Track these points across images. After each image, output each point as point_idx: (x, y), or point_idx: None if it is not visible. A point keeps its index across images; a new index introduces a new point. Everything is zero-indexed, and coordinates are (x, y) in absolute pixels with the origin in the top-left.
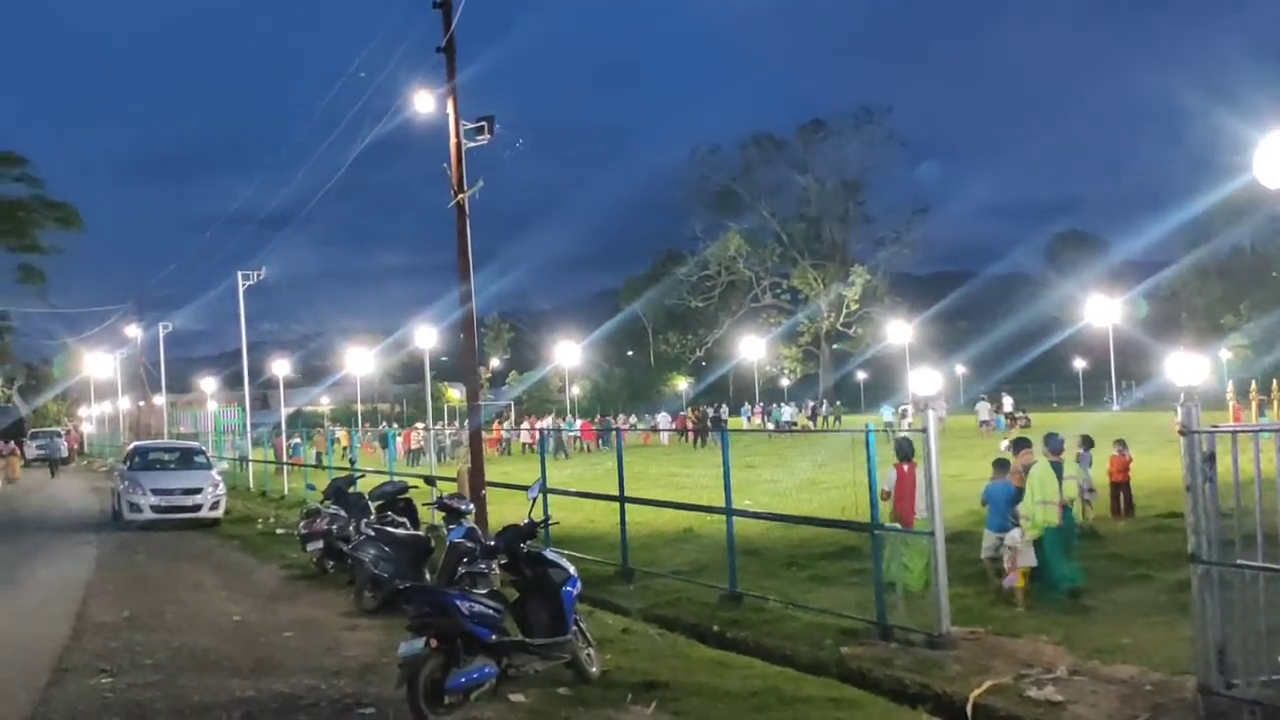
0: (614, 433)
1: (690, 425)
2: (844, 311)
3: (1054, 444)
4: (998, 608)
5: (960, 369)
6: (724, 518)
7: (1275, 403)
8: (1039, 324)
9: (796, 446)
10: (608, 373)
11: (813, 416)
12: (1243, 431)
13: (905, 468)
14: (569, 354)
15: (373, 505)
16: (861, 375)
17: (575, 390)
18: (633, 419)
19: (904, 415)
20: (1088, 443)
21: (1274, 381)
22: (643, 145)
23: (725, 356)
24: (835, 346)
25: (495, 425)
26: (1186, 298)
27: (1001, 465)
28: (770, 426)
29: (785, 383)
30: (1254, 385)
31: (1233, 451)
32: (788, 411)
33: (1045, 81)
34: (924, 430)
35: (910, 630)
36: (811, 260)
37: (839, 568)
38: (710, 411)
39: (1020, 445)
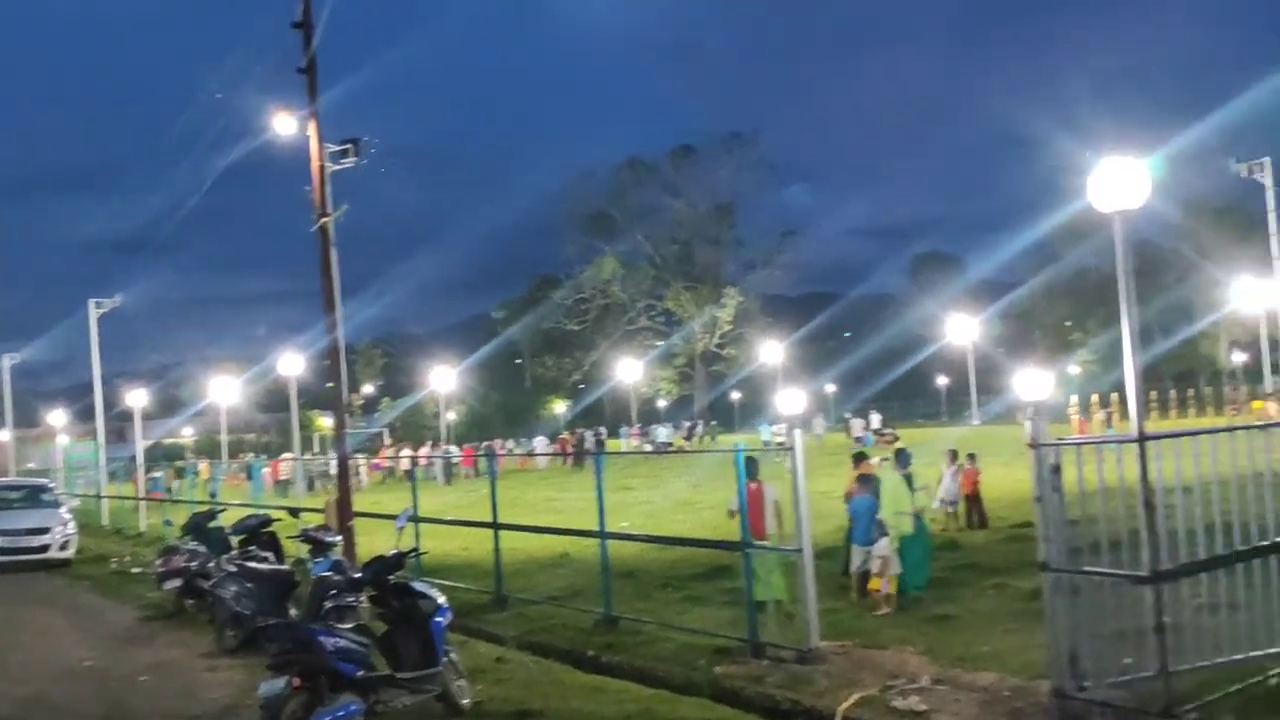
0: (489, 458)
1: (569, 448)
2: (718, 333)
3: (903, 459)
4: (865, 621)
5: (830, 387)
6: (599, 541)
7: (1116, 415)
8: (904, 342)
9: (673, 467)
10: (484, 397)
11: (689, 437)
12: (1087, 444)
13: (753, 486)
14: (444, 379)
15: (235, 540)
16: (736, 395)
17: (451, 415)
18: (510, 443)
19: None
20: (954, 456)
21: (1114, 395)
22: (519, 170)
23: (602, 379)
24: (710, 367)
25: (382, 450)
26: (1037, 316)
27: (864, 480)
28: (648, 448)
29: (662, 404)
30: (1095, 399)
31: (1077, 463)
32: (664, 432)
33: (909, 108)
34: (791, 449)
35: (781, 647)
36: (685, 283)
37: (712, 587)
38: (590, 434)
39: (858, 459)
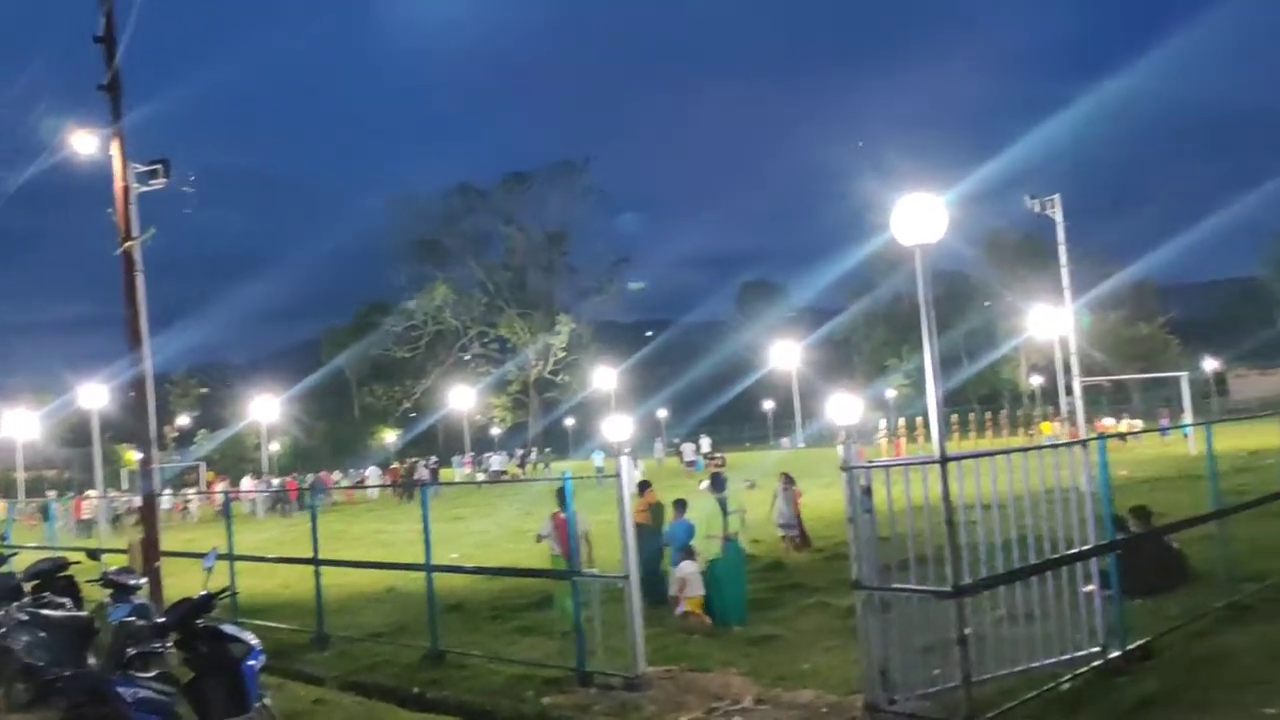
0: (313, 491)
1: (400, 478)
2: (551, 359)
3: (718, 484)
4: (691, 644)
5: (662, 413)
6: (425, 575)
7: (920, 437)
8: (732, 368)
9: (505, 495)
10: (309, 427)
11: (522, 464)
12: (894, 465)
13: (562, 516)
14: (266, 409)
15: (27, 585)
16: (570, 421)
17: (274, 447)
18: (337, 475)
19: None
20: (788, 480)
21: (919, 419)
22: (349, 194)
23: (434, 407)
24: (544, 394)
25: (211, 484)
26: (856, 342)
27: (680, 505)
28: (480, 477)
29: (496, 431)
30: (901, 423)
31: (886, 484)
32: (497, 460)
33: (737, 142)
34: (617, 475)
35: (609, 674)
36: (518, 309)
37: (543, 617)
38: (423, 464)
39: (644, 487)
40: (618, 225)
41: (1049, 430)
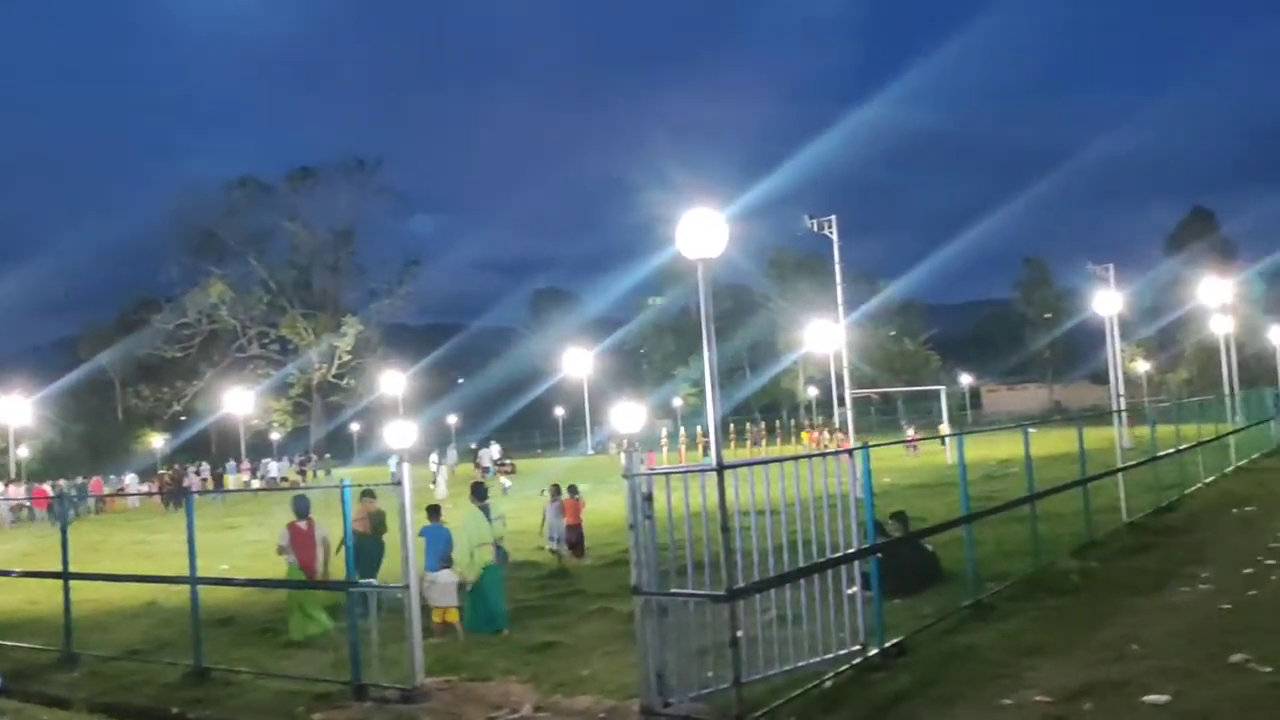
0: (60, 500)
1: (166, 485)
2: (336, 362)
3: (479, 492)
4: (473, 654)
5: (452, 418)
6: (189, 587)
7: (702, 446)
8: (524, 374)
9: (283, 503)
10: (64, 430)
11: (302, 471)
12: (674, 473)
13: (303, 525)
14: (15, 410)
15: None
16: (355, 427)
17: (24, 451)
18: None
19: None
20: (555, 492)
21: (698, 428)
22: (121, 183)
23: (207, 410)
24: (328, 398)
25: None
26: (646, 351)
27: (434, 511)
28: (257, 484)
29: (275, 436)
30: (682, 431)
31: (666, 491)
32: (275, 467)
33: (531, 150)
34: (399, 483)
35: (386, 687)
36: (302, 310)
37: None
38: (192, 470)
39: (366, 495)
40: (410, 226)
41: (807, 439)
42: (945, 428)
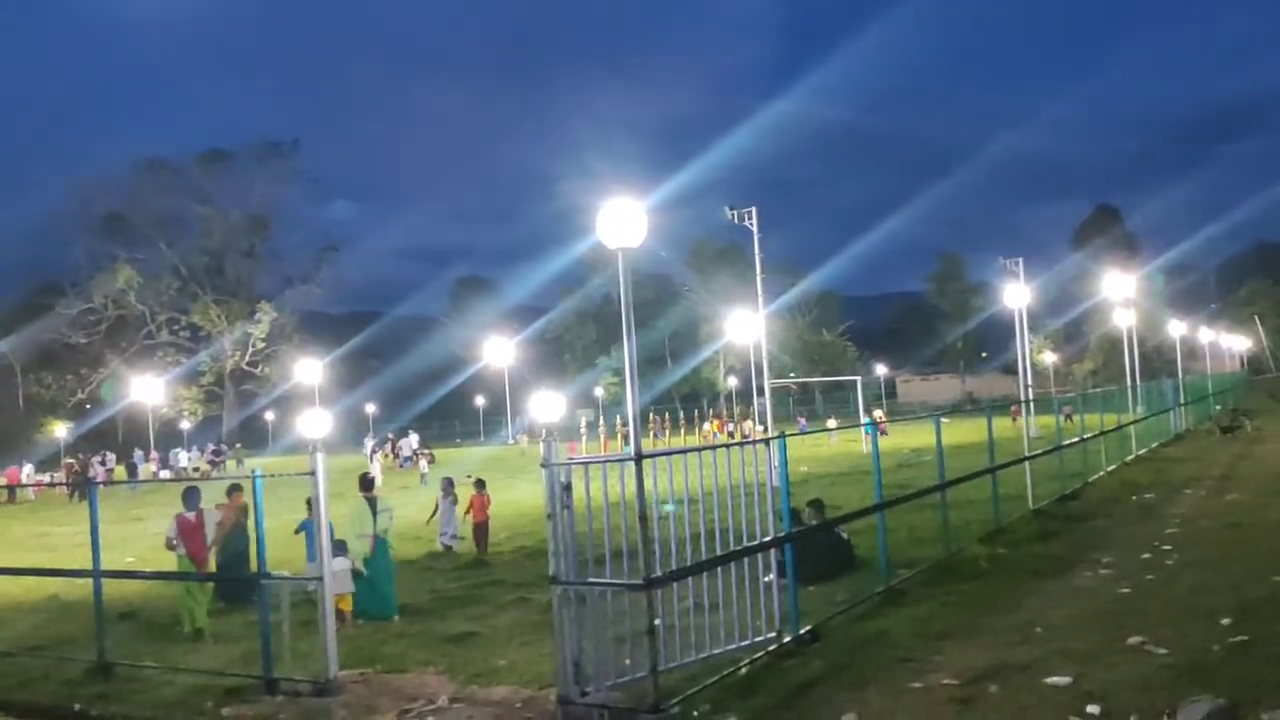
0: None
1: (72, 476)
2: (250, 350)
3: (365, 482)
4: (389, 645)
5: (371, 407)
6: (91, 581)
7: (620, 435)
8: (444, 363)
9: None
10: None
11: (214, 461)
12: (593, 463)
13: (191, 517)
14: None
15: None
16: (270, 415)
17: None
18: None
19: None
20: (449, 485)
21: (618, 418)
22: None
23: (114, 399)
24: (241, 387)
25: None
26: (568, 340)
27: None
28: (166, 474)
29: (185, 425)
30: (601, 419)
31: (585, 481)
32: (186, 457)
33: (453, 137)
34: (313, 473)
35: (298, 680)
36: (214, 296)
37: (227, 623)
38: (97, 460)
39: (233, 490)
40: (329, 212)
41: (715, 429)
42: (881, 414)
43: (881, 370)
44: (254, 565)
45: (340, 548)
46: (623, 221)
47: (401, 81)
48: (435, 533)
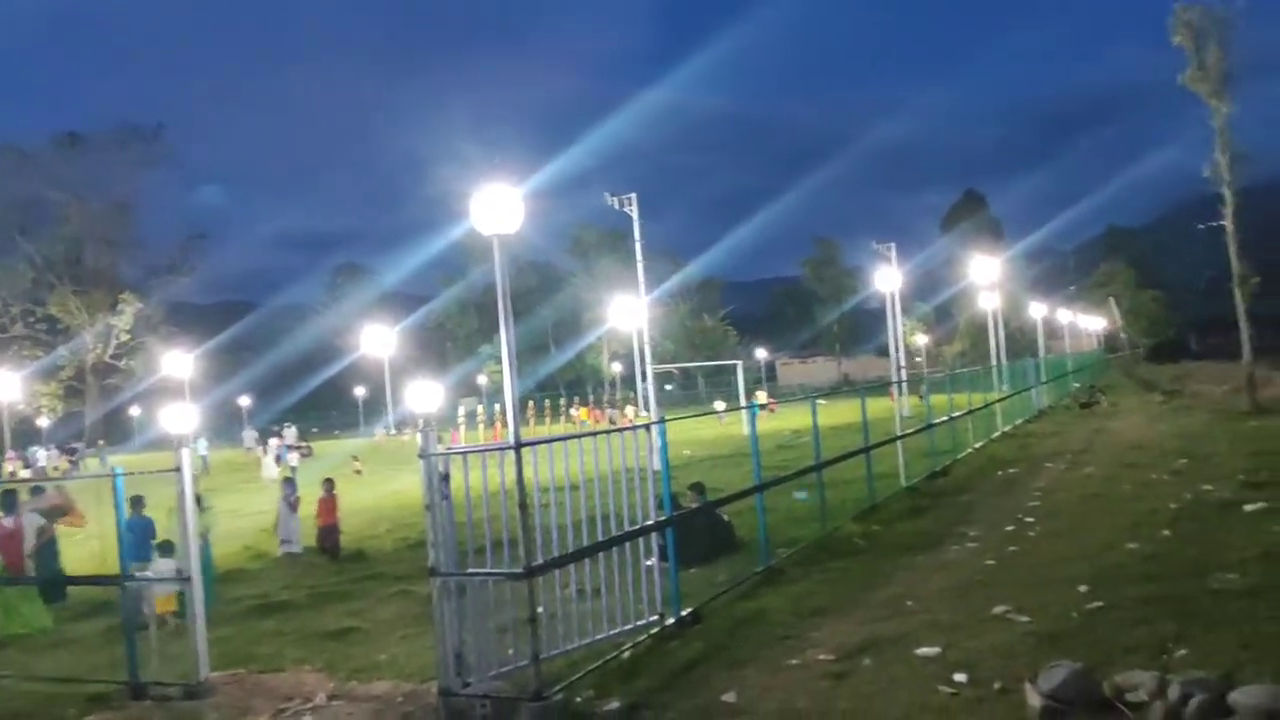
0: None
1: None
2: (113, 343)
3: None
4: (265, 644)
5: (245, 400)
6: None
7: (499, 424)
8: (322, 353)
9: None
10: None
11: (74, 459)
12: (472, 452)
13: (9, 523)
14: None
15: None
16: (135, 410)
17: None
18: None
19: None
20: (290, 486)
21: (496, 407)
22: None
23: None
24: (104, 381)
25: None
26: (450, 329)
27: (137, 502)
28: (26, 473)
29: (44, 422)
30: (479, 410)
31: (464, 471)
32: (43, 455)
33: (329, 123)
34: (178, 469)
35: (167, 684)
36: (73, 286)
37: (91, 627)
38: None
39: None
40: (199, 199)
41: (585, 416)
42: (762, 395)
43: (762, 354)
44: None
45: (167, 548)
46: (498, 208)
47: (276, 65)
48: (307, 528)
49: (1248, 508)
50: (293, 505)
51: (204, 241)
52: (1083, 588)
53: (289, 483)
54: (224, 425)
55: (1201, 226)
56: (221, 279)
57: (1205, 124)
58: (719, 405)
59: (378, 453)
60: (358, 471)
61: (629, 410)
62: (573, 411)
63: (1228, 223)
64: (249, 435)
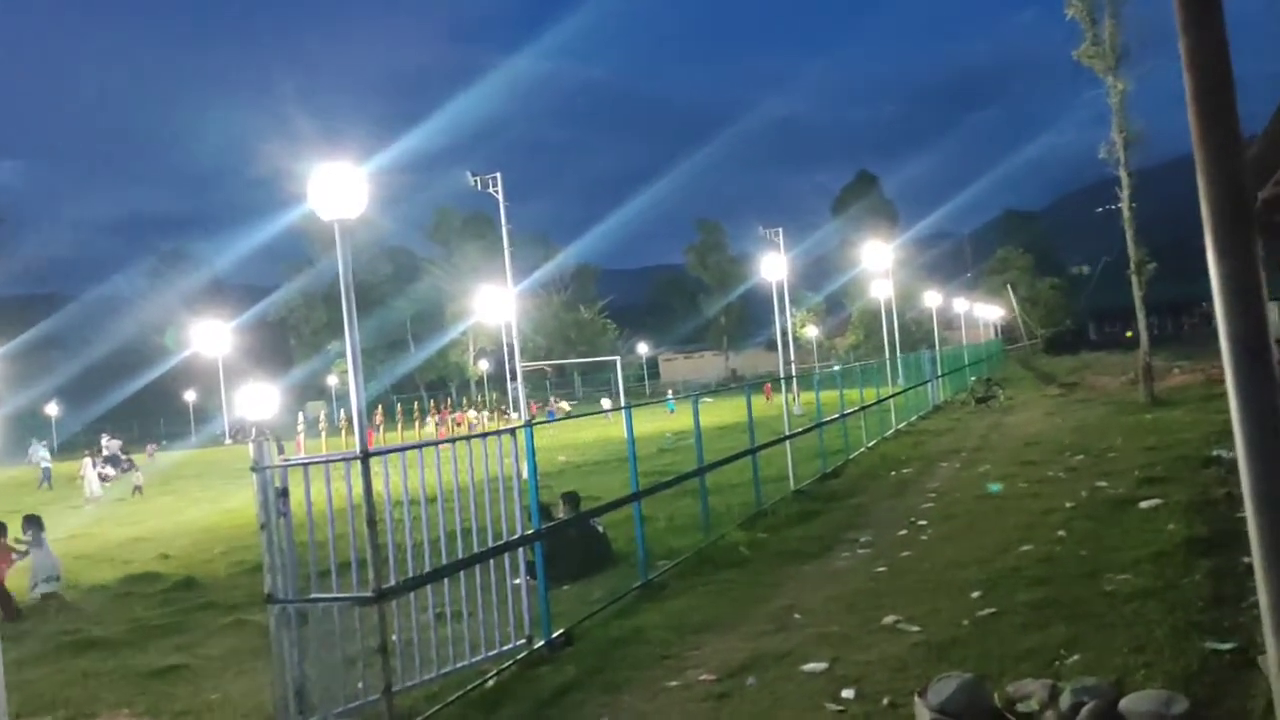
0: None
1: None
2: None
3: None
4: (75, 687)
5: (52, 407)
6: None
7: (344, 431)
8: (145, 352)
9: None
10: None
11: None
12: (313, 463)
13: None
14: None
15: None
16: None
17: None
18: None
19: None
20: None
21: (341, 412)
22: None
23: None
24: None
25: None
26: (294, 324)
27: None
28: None
29: None
30: (321, 415)
31: (305, 484)
32: None
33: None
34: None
35: None
36: None
37: None
38: None
39: None
40: None
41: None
42: (622, 399)
43: (643, 349)
44: None
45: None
46: (340, 189)
47: (83, 24)
48: (130, 553)
49: (1143, 505)
50: (37, 545)
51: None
52: (975, 594)
53: (30, 520)
54: (23, 437)
55: (1099, 210)
56: (26, 268)
57: (1102, 102)
58: (605, 403)
59: (212, 465)
60: (137, 489)
61: (471, 414)
62: (431, 418)
63: (1124, 206)
64: (36, 450)
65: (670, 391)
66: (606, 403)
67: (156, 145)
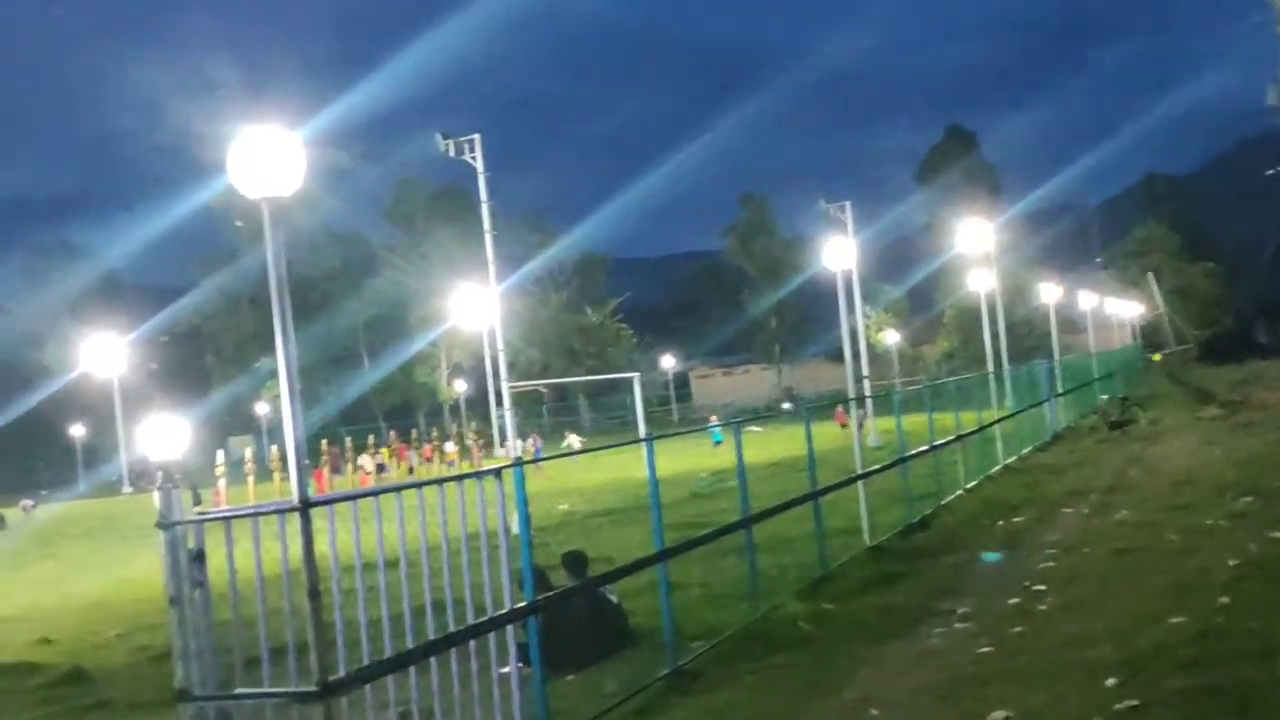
0: None
1: None
2: None
3: None
4: None
5: None
6: None
7: (276, 474)
8: (18, 374)
9: None
10: None
11: None
12: (238, 516)
13: None
14: None
15: None
16: None
17: None
18: None
19: None
20: None
21: (274, 449)
22: None
23: None
24: None
25: None
26: (212, 334)
27: None
28: None
29: None
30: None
31: (228, 544)
32: None
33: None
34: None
35: None
36: None
37: None
38: None
39: None
40: None
41: (386, 456)
42: (641, 429)
43: (669, 363)
44: None
45: None
46: (269, 158)
47: None
48: (15, 637)
49: None
50: None
51: None
52: (1111, 680)
53: None
54: None
55: (1270, 173)
56: None
57: (1271, 32)
58: (573, 440)
59: (110, 522)
60: None
61: (449, 447)
62: (362, 459)
63: None
64: None
65: (714, 418)
66: (575, 440)
67: (27, 104)
